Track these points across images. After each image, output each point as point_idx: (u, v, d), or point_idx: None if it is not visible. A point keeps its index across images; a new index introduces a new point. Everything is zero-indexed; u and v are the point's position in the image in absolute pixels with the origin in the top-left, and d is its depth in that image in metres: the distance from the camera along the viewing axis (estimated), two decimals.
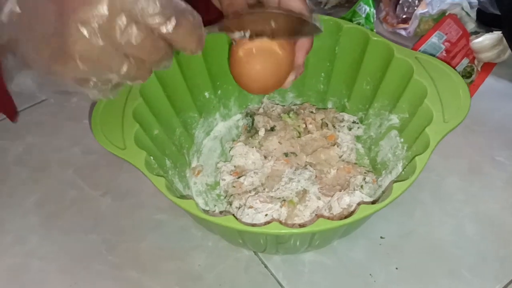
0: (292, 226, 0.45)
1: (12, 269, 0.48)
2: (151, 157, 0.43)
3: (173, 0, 0.31)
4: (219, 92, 0.57)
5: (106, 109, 0.45)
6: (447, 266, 0.47)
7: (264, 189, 0.49)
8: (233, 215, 0.39)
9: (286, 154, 0.51)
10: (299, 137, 0.52)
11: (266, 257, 0.48)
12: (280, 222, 0.39)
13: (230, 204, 0.49)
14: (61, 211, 0.53)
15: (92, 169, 0.56)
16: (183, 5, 0.32)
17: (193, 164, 0.54)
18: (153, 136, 0.47)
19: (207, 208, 0.51)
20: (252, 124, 0.55)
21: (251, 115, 0.56)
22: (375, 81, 0.51)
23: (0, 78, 0.32)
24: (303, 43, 0.42)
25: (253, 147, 0.52)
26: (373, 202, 0.43)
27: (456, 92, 0.45)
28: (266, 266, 0.47)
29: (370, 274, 0.46)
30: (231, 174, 0.51)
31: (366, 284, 0.46)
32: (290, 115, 0.53)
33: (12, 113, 0.35)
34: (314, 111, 0.54)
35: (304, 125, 0.53)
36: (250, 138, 0.53)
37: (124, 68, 0.31)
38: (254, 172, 0.50)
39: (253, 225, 0.44)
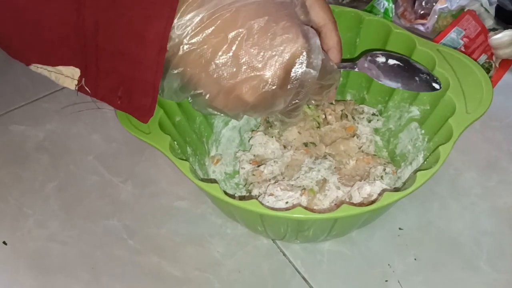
0: None
1: (33, 253, 0.49)
2: (175, 142, 0.44)
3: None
4: None
5: None
6: (465, 258, 0.47)
7: (283, 178, 0.49)
8: (257, 199, 0.39)
9: (305, 144, 0.52)
10: (318, 127, 0.53)
11: (285, 245, 0.48)
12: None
13: (250, 193, 0.49)
14: (82, 196, 0.53)
15: (113, 157, 0.57)
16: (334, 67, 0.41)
17: (212, 153, 0.55)
18: (175, 122, 0.48)
19: None
20: None
21: None
22: None
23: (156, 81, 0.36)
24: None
25: (272, 137, 0.52)
26: None
27: (479, 84, 0.45)
28: (284, 254, 0.48)
29: (389, 265, 0.47)
30: (250, 163, 0.51)
31: (384, 274, 0.46)
32: (310, 106, 0.54)
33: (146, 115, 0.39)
34: (333, 103, 0.54)
35: (323, 116, 0.53)
36: (269, 128, 0.54)
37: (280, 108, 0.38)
38: (274, 161, 0.50)
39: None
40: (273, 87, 0.35)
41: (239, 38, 0.34)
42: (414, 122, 0.50)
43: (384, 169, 0.48)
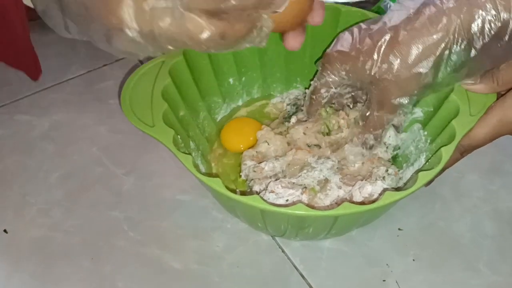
0: None
1: (35, 241, 0.49)
2: (178, 136, 0.44)
3: None
4: (243, 79, 0.58)
5: (135, 86, 0.46)
6: (465, 260, 0.47)
7: (284, 176, 0.49)
8: (258, 194, 0.40)
9: (308, 145, 0.51)
10: (328, 134, 0.52)
11: (284, 242, 0.49)
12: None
13: (251, 189, 0.49)
14: (85, 187, 0.54)
15: (117, 148, 0.57)
16: None
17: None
18: (179, 117, 0.48)
19: None
20: (295, 113, 0.55)
21: (298, 106, 0.55)
22: None
23: (26, 35, 0.30)
24: None
25: (279, 134, 0.52)
26: None
27: None
28: (284, 251, 0.48)
29: (387, 264, 0.47)
30: (252, 159, 0.52)
31: (383, 274, 0.46)
32: (327, 109, 0.53)
33: (35, 72, 0.33)
34: (351, 106, 0.52)
35: (338, 124, 0.52)
36: (280, 124, 0.54)
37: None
38: (275, 158, 0.50)
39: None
40: None
41: None
42: (417, 123, 0.50)
43: (387, 170, 0.48)
